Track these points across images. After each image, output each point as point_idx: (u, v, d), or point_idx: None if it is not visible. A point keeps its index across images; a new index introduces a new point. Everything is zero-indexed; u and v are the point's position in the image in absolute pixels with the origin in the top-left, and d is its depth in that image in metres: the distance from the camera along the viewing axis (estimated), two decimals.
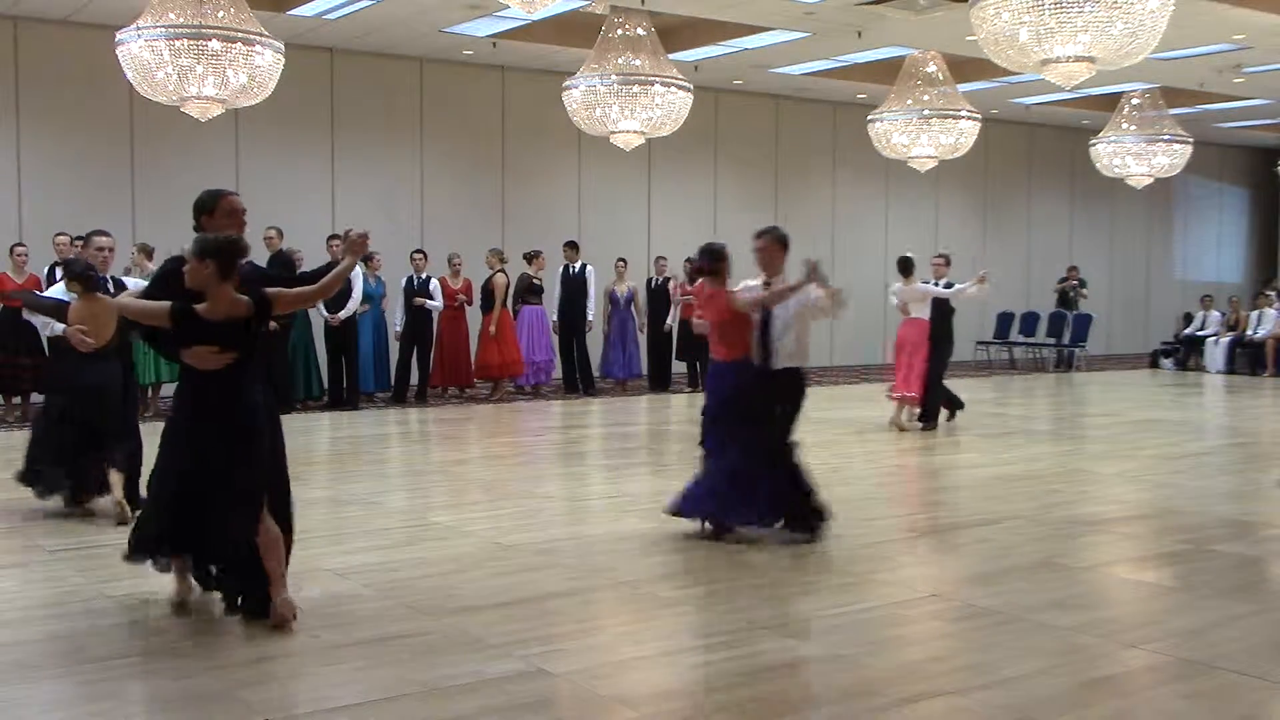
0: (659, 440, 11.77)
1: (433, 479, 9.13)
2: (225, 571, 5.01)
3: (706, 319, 6.69)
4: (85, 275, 6.94)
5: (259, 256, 13.91)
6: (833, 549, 6.41)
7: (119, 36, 10.44)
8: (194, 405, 4.86)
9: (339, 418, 12.64)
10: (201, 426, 4.81)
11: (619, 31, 12.63)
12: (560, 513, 7.67)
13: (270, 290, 4.91)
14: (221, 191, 5.25)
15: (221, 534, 4.77)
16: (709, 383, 6.82)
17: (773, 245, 6.75)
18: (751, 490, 6.34)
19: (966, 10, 9.83)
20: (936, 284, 11.79)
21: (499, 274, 14.24)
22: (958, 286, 11.76)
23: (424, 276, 13.95)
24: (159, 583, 5.45)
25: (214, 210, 5.13)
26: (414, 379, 14.19)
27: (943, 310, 11.69)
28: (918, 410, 11.54)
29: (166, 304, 4.83)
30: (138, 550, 4.98)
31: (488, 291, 14.24)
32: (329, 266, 5.32)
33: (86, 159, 13.96)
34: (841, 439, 11.02)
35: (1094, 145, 17.73)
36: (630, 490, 8.50)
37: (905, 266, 11.78)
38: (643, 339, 15.79)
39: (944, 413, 11.74)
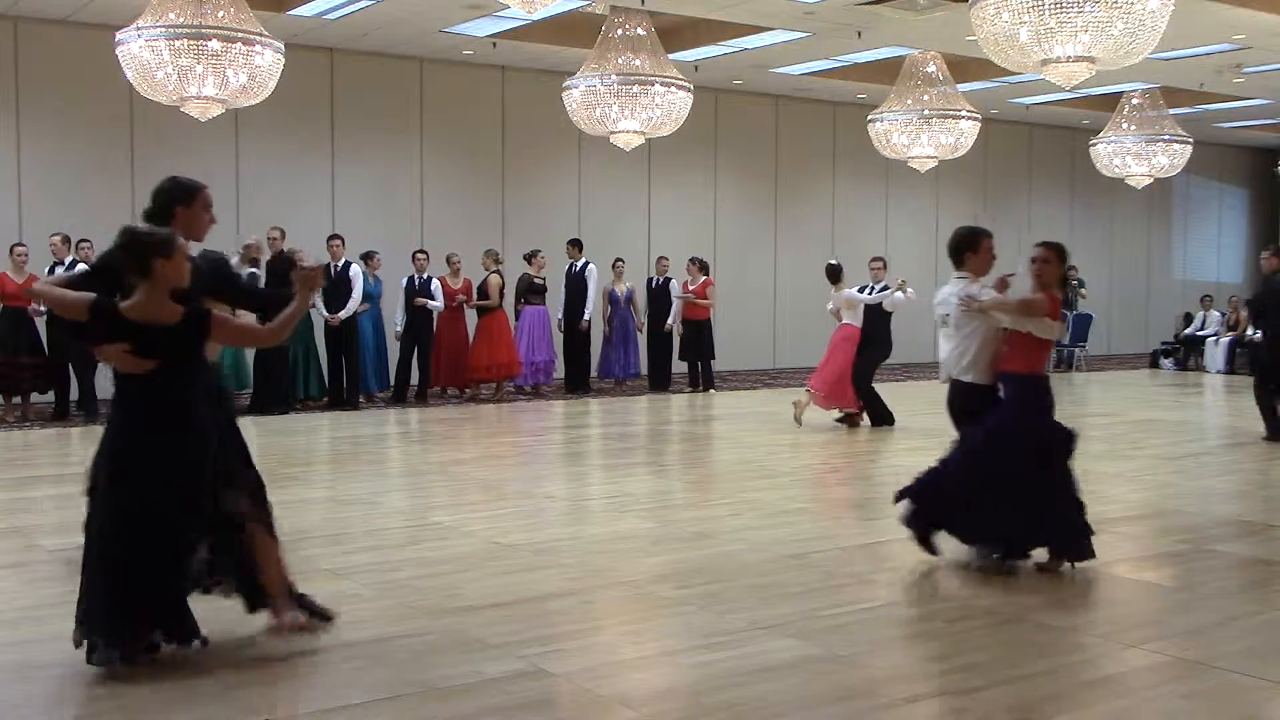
0: (659, 440, 11.77)
1: (433, 479, 9.13)
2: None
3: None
4: None
5: (262, 256, 13.89)
6: (833, 549, 6.41)
7: (119, 36, 10.45)
8: (124, 427, 4.36)
9: (339, 418, 12.64)
10: (135, 451, 4.31)
11: (619, 31, 12.63)
12: (560, 513, 7.67)
13: (216, 313, 4.46)
14: (194, 186, 4.81)
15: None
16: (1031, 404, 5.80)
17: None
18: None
19: (966, 10, 9.83)
20: (874, 287, 11.85)
21: (493, 274, 14.25)
22: (879, 293, 11.79)
23: (425, 276, 13.95)
24: None
25: (192, 203, 4.74)
26: (414, 379, 14.19)
27: (877, 314, 11.75)
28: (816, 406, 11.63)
29: (89, 295, 4.34)
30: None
31: (484, 293, 14.24)
32: (275, 294, 4.77)
33: (86, 159, 13.96)
34: (841, 439, 11.03)
35: (1094, 145, 17.73)
36: (630, 490, 8.49)
37: (833, 274, 11.83)
38: (642, 339, 15.79)
39: (860, 416, 11.77)
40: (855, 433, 11.47)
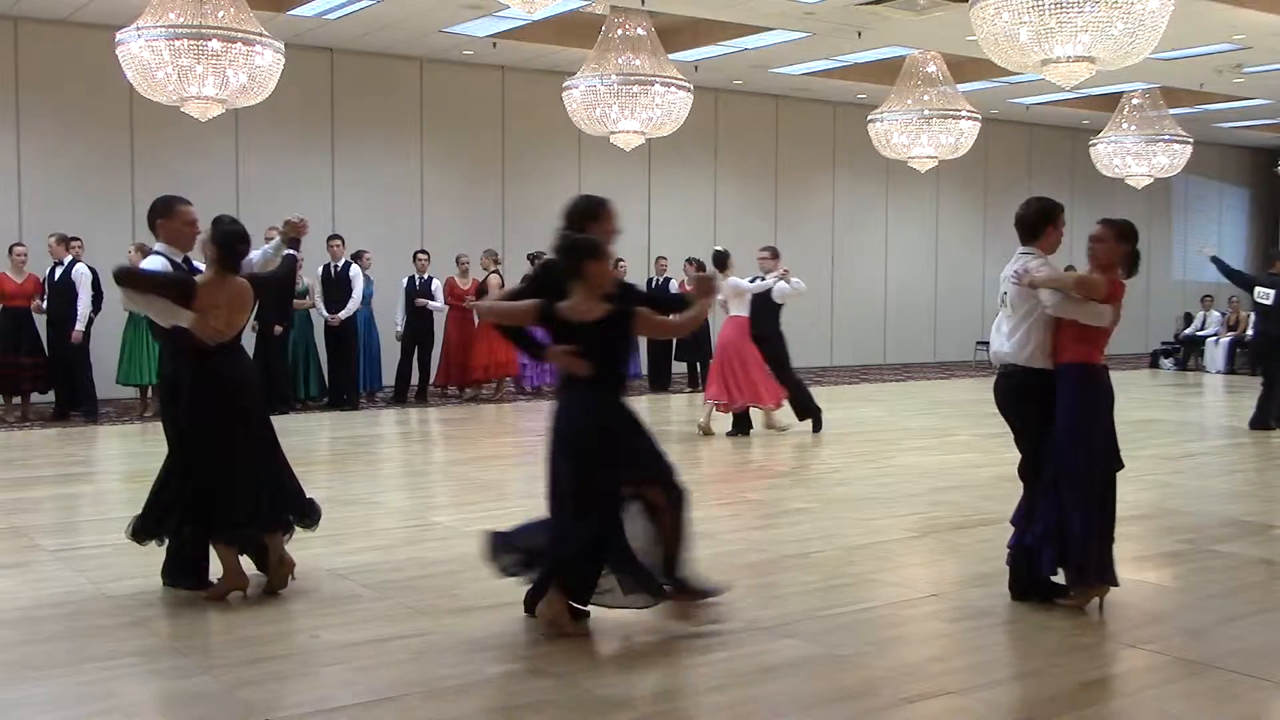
0: (659, 440, 11.75)
1: (433, 479, 9.13)
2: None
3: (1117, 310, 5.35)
4: (229, 244, 5.31)
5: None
6: (833, 549, 6.41)
7: (119, 36, 10.44)
8: (562, 416, 4.91)
9: (339, 418, 12.64)
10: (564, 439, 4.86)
11: (619, 31, 12.63)
12: None
13: (637, 308, 4.94)
14: (600, 200, 5.23)
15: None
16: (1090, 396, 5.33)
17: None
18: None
19: (966, 10, 9.83)
20: (764, 278, 11.15)
21: (493, 274, 14.26)
22: (767, 282, 11.08)
23: (425, 277, 13.95)
24: (158, 583, 5.45)
25: (599, 217, 5.13)
26: (415, 379, 14.19)
27: (767, 307, 11.09)
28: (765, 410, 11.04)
29: (533, 301, 4.87)
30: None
31: (484, 292, 14.25)
32: (676, 296, 5.45)
33: (86, 159, 13.96)
34: (840, 439, 11.02)
35: (1094, 145, 17.73)
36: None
37: (719, 261, 11.16)
38: (643, 339, 15.79)
39: (732, 422, 11.14)
40: (860, 433, 11.45)
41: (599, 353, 4.79)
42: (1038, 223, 5.37)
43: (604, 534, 4.73)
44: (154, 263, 5.39)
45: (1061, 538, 5.16)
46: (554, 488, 4.91)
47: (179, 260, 5.46)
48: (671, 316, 5.13)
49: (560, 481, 4.87)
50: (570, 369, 4.82)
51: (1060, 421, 5.21)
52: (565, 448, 4.86)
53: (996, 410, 5.59)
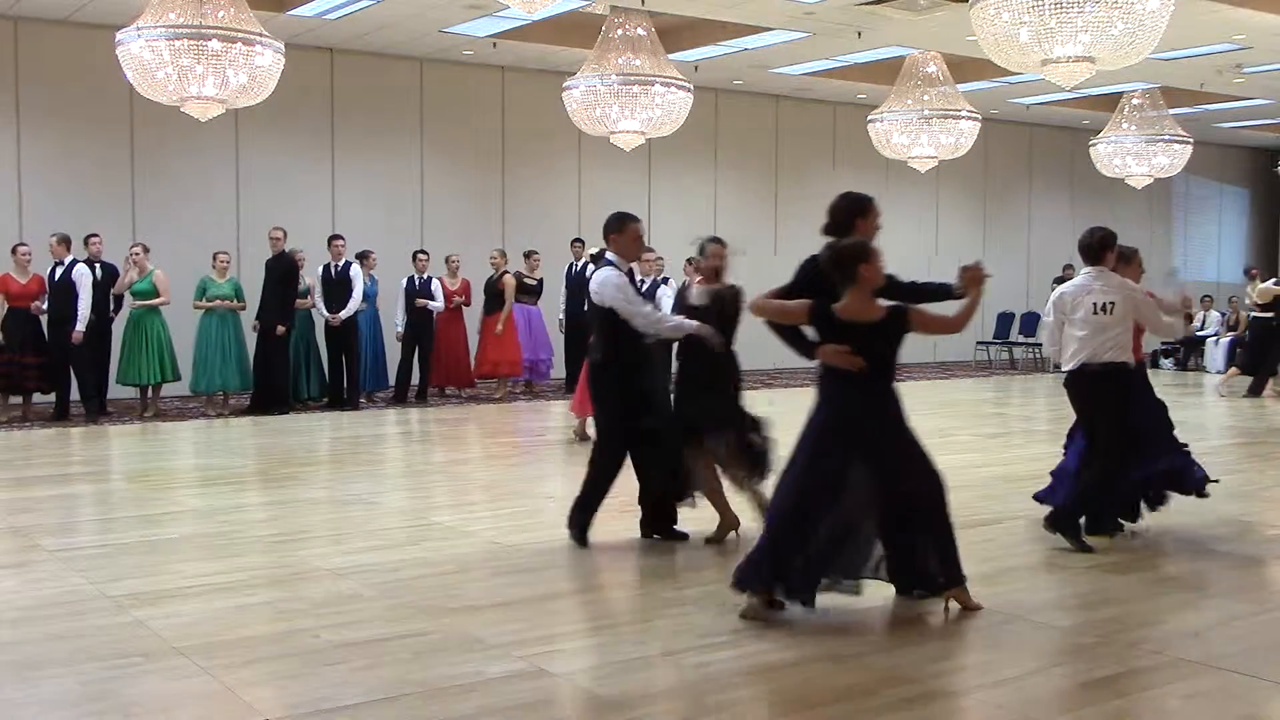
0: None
1: (433, 479, 9.12)
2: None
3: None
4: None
5: (262, 255, 13.81)
6: None
7: (119, 36, 10.45)
8: (836, 415, 4.97)
9: (339, 418, 12.63)
10: (840, 437, 4.92)
11: (619, 31, 12.63)
12: (560, 513, 7.63)
13: (912, 306, 5.06)
14: (866, 197, 5.36)
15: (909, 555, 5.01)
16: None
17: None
18: None
19: (966, 10, 9.83)
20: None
21: (505, 274, 14.24)
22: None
23: (425, 277, 13.95)
24: (158, 583, 5.45)
25: (868, 214, 5.29)
26: (415, 379, 14.18)
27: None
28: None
29: (806, 301, 5.00)
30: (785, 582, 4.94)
31: (495, 292, 14.21)
32: (940, 286, 5.38)
33: (86, 159, 13.96)
34: None
35: (1094, 145, 17.74)
36: (630, 490, 8.47)
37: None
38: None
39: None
40: None
41: (873, 350, 4.90)
42: (1100, 249, 6.61)
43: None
44: (605, 270, 6.25)
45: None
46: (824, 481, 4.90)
47: (625, 269, 6.38)
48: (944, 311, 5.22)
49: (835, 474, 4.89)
50: (844, 366, 4.88)
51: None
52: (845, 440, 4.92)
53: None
